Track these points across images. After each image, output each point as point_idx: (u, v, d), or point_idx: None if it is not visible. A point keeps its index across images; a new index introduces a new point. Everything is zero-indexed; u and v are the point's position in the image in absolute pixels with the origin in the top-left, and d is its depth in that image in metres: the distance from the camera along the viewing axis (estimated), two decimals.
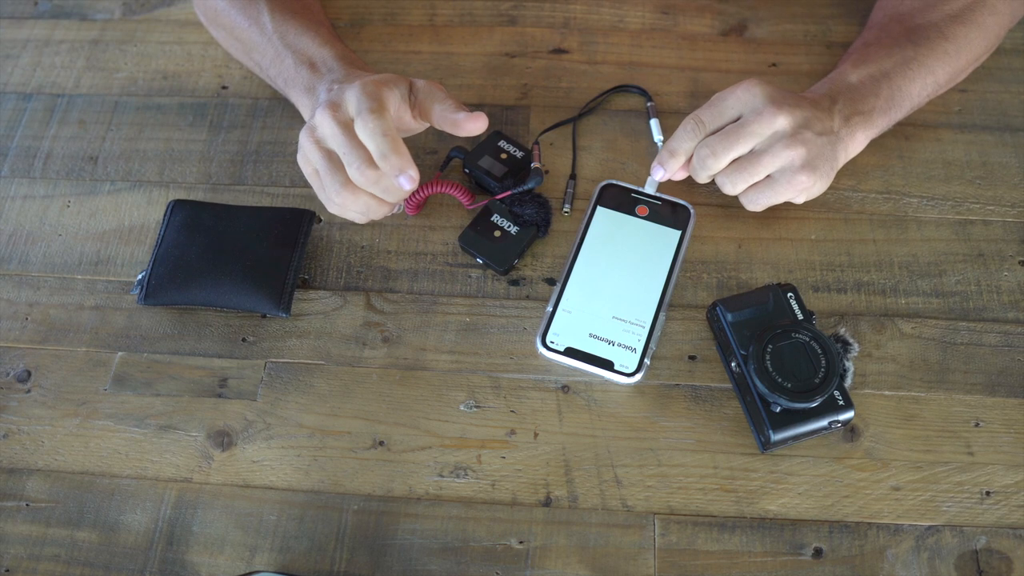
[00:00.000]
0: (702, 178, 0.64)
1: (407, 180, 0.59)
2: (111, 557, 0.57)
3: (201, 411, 0.62)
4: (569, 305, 0.64)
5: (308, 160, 0.62)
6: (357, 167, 0.59)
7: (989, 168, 0.70)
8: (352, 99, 0.59)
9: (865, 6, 0.78)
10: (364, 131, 0.58)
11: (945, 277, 0.66)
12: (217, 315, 0.65)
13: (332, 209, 0.63)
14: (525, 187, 0.67)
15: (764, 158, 0.61)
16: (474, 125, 0.62)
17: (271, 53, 0.69)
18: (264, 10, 0.69)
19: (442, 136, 0.73)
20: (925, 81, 0.67)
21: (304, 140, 0.61)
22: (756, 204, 0.64)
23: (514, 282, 0.66)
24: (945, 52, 0.68)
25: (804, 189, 0.63)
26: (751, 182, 0.63)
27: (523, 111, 0.74)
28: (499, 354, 0.63)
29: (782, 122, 0.61)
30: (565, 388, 0.62)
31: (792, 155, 0.61)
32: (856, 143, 0.66)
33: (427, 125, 0.66)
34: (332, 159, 0.60)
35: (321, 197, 0.63)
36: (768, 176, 0.63)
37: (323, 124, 0.60)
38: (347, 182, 0.60)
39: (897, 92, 0.66)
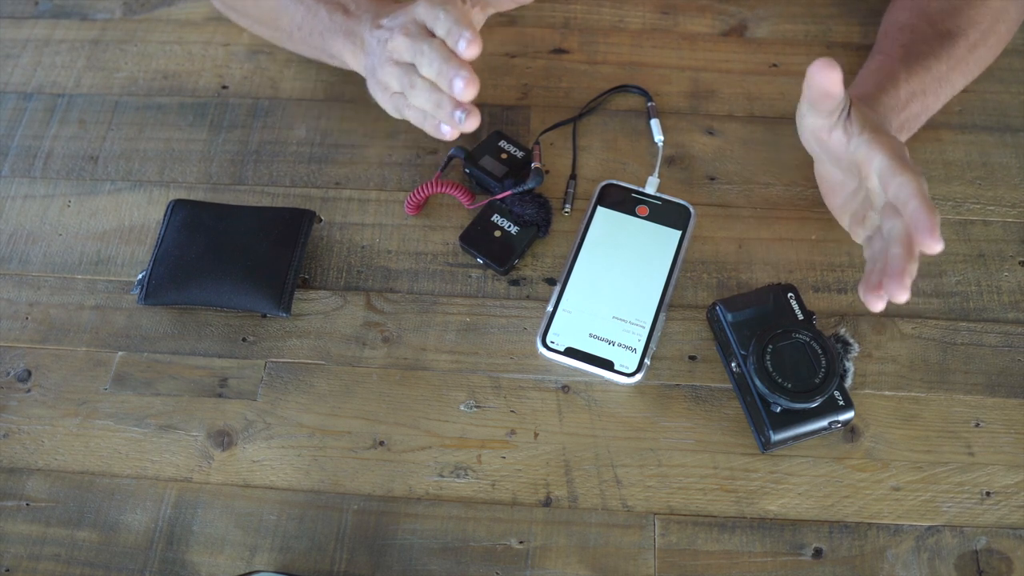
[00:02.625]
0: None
1: (465, 43, 0.58)
2: (111, 557, 0.57)
3: (201, 411, 0.62)
4: (569, 305, 0.64)
5: (390, 85, 0.62)
6: (436, 50, 0.59)
7: (989, 168, 0.70)
8: (422, 10, 0.59)
9: (865, 6, 0.78)
10: (444, 19, 0.58)
11: (945, 277, 0.66)
12: (217, 315, 0.65)
13: (432, 122, 0.62)
14: (525, 187, 0.67)
15: None
16: None
17: (301, 11, 0.69)
18: None
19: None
20: (946, 95, 0.68)
21: (383, 71, 0.61)
22: None
23: (514, 282, 0.66)
24: (967, 64, 0.68)
25: None
26: None
27: (523, 111, 0.74)
28: (499, 354, 0.63)
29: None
30: (565, 388, 0.62)
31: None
32: None
33: (487, 15, 0.66)
34: (413, 71, 0.60)
35: (415, 115, 0.63)
36: None
37: (397, 47, 0.60)
38: (433, 85, 0.60)
39: (924, 111, 0.67)
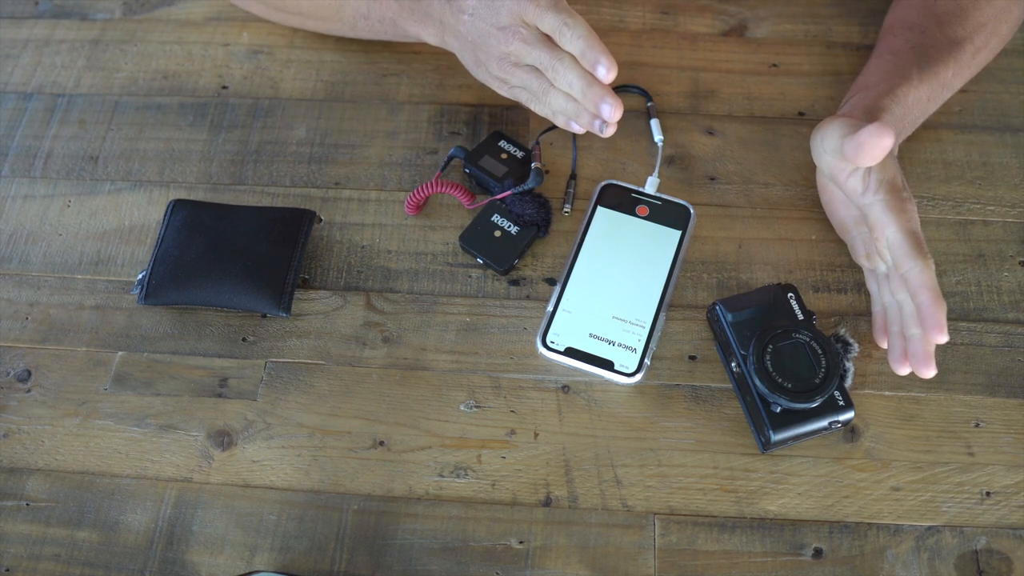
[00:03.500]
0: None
1: (604, 69, 0.57)
2: (111, 557, 0.57)
3: (201, 411, 0.62)
4: (569, 305, 0.64)
5: (509, 81, 0.62)
6: (573, 70, 0.59)
7: (989, 168, 0.70)
8: (533, 12, 0.59)
9: (865, 6, 0.78)
10: (573, 36, 0.58)
11: (945, 277, 0.66)
12: (217, 315, 0.65)
13: (560, 118, 0.62)
14: (525, 187, 0.67)
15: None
16: None
17: (366, 1, 0.69)
18: None
19: (441, 136, 0.73)
20: (943, 99, 0.68)
21: (502, 70, 0.62)
22: None
23: (514, 282, 0.66)
24: (968, 67, 0.68)
25: None
26: None
27: (523, 111, 0.74)
28: (499, 354, 0.63)
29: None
30: (565, 388, 0.62)
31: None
32: None
33: None
34: (543, 77, 0.61)
35: (543, 110, 0.63)
36: None
37: (517, 47, 0.60)
38: (569, 95, 0.60)
39: (923, 115, 0.67)
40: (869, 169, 0.57)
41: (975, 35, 0.67)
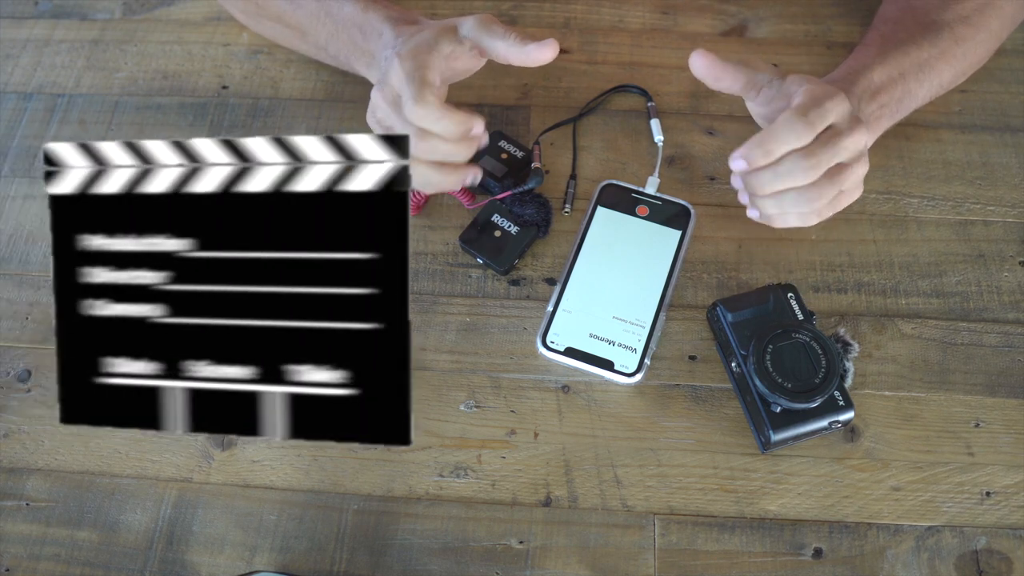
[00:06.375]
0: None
1: (478, 126, 0.58)
2: (111, 557, 0.57)
3: None
4: (569, 305, 0.64)
5: (377, 117, 0.62)
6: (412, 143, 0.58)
7: (989, 168, 0.70)
8: (395, 81, 0.58)
9: (865, 6, 0.78)
10: (413, 118, 0.57)
11: (945, 277, 0.66)
12: None
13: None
14: (525, 187, 0.67)
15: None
16: (545, 54, 0.60)
17: (328, 29, 0.69)
18: None
19: None
20: (931, 84, 0.67)
21: (369, 120, 0.62)
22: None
23: (514, 282, 0.66)
24: (953, 56, 0.67)
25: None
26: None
27: (523, 111, 0.74)
28: (499, 354, 0.63)
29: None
30: (565, 388, 0.62)
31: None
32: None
33: (485, 60, 0.65)
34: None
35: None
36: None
37: (378, 106, 0.60)
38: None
39: (907, 95, 0.66)
40: (779, 94, 0.60)
41: (955, 24, 0.67)
